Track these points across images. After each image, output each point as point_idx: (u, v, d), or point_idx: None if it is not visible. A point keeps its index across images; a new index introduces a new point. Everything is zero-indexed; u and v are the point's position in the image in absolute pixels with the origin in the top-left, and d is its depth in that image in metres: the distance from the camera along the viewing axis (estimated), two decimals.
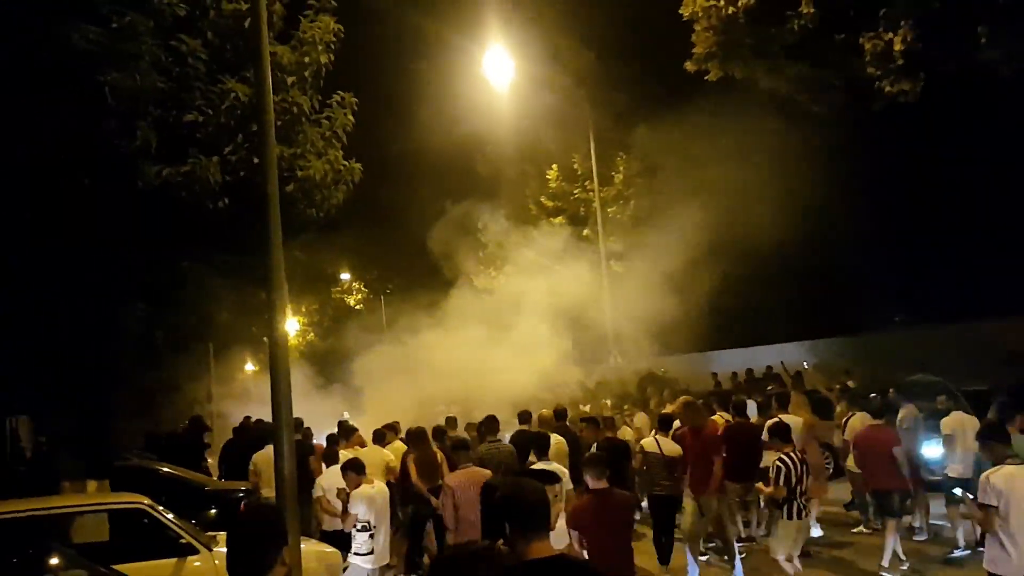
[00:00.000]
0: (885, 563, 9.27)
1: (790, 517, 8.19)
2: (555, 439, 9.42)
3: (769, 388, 14.60)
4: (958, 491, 8.69)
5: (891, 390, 12.85)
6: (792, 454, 8.23)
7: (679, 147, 21.98)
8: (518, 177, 27.17)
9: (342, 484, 8.17)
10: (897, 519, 9.58)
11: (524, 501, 3.49)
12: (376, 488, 8.11)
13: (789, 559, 8.42)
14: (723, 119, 20.08)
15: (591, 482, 6.45)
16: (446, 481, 8.19)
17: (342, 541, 8.42)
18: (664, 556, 9.69)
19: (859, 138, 18.50)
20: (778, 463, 8.17)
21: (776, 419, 9.42)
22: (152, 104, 9.22)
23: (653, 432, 10.37)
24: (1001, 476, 5.89)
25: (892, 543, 9.37)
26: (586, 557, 6.25)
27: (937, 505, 11.32)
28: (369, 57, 18.56)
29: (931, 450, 11.52)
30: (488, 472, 8.05)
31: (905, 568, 9.37)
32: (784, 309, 21.77)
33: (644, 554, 9.46)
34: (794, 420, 10.34)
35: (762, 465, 10.09)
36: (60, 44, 8.75)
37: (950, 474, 10.15)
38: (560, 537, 6.50)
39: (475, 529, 6.88)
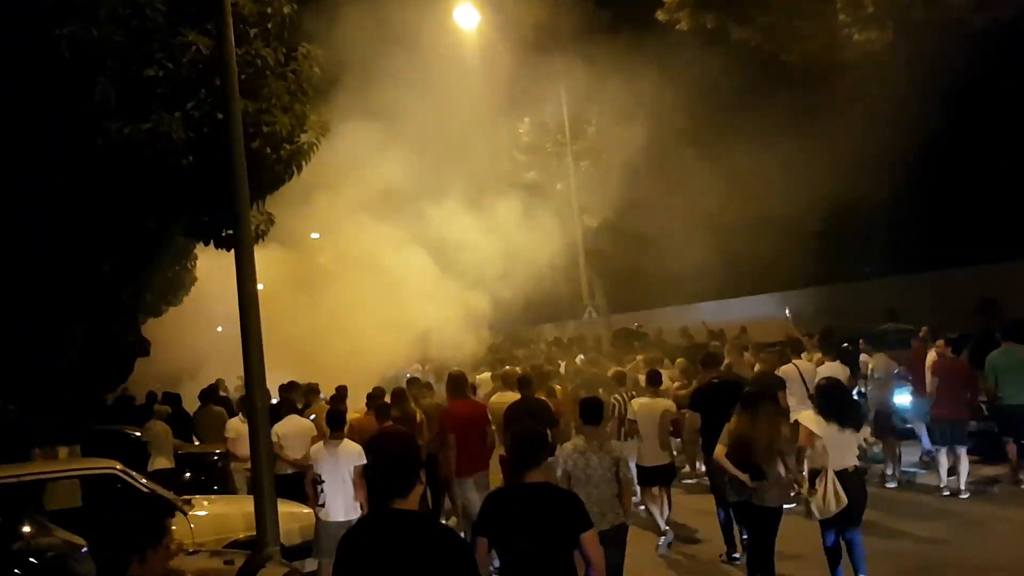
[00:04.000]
0: (963, 486, 9.91)
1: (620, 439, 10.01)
2: None
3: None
4: None
5: (860, 340, 12.90)
6: (624, 394, 10.17)
7: (651, 99, 21.79)
8: (489, 132, 26.72)
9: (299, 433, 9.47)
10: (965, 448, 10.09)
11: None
12: (329, 444, 8.06)
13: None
14: (695, 70, 19.88)
15: None
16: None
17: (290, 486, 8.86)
18: None
19: (829, 90, 18.35)
20: (613, 401, 10.07)
21: None
22: (111, 58, 8.91)
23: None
24: (636, 403, 9.27)
25: (966, 467, 10.02)
26: None
27: (909, 453, 11.49)
28: (336, 6, 18.06)
29: (902, 398, 11.67)
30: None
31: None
32: (755, 262, 21.77)
33: None
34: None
35: None
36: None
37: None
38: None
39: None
